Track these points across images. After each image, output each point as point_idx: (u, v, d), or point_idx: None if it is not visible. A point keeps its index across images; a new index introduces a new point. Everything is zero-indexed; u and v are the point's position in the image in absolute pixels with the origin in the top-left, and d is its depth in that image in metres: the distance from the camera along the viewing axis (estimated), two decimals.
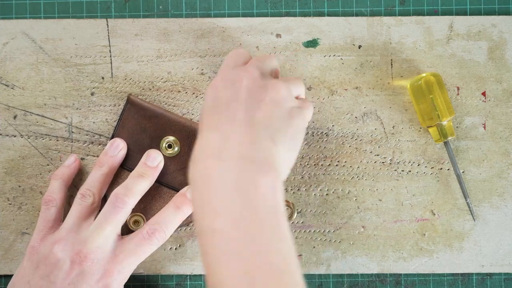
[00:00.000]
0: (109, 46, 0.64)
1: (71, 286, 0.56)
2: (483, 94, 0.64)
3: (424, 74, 0.61)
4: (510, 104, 0.63)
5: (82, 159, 0.63)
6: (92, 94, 0.63)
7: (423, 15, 0.65)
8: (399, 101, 0.63)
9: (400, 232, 0.63)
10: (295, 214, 0.62)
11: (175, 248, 0.63)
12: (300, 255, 0.63)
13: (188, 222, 0.63)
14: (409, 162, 0.63)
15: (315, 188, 0.63)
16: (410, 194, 0.63)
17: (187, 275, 0.64)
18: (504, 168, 0.63)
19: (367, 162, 0.63)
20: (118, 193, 0.58)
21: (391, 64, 0.63)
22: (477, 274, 0.64)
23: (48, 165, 0.63)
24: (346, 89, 0.64)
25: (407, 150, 0.63)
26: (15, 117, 0.63)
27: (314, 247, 0.63)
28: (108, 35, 0.64)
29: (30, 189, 0.63)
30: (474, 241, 0.63)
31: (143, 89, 0.63)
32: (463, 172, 0.63)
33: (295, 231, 0.63)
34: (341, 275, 0.64)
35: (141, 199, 0.61)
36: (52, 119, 0.63)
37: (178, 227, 0.62)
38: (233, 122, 0.49)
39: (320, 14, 0.65)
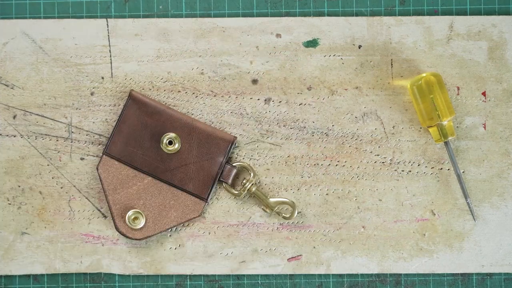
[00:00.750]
0: (109, 46, 0.63)
1: None
2: (483, 94, 0.64)
3: (424, 74, 0.61)
4: (510, 104, 0.63)
5: (82, 159, 0.63)
6: (92, 94, 0.63)
7: (423, 15, 0.65)
8: (399, 101, 0.63)
9: (400, 232, 0.63)
10: (295, 214, 0.62)
11: (175, 248, 0.63)
12: (300, 255, 0.63)
13: (188, 221, 0.63)
14: (409, 162, 0.63)
15: (315, 188, 0.63)
16: (410, 194, 0.63)
17: (187, 275, 0.64)
18: (504, 168, 0.63)
19: (367, 162, 0.63)
20: None
21: (391, 64, 0.63)
22: (477, 274, 0.64)
23: (48, 165, 0.63)
24: (346, 89, 0.64)
25: (407, 150, 0.63)
26: (14, 117, 0.63)
27: (314, 247, 0.63)
28: (108, 35, 0.64)
29: (30, 189, 0.63)
30: (474, 241, 0.63)
31: (143, 89, 0.63)
32: (463, 172, 0.63)
33: (295, 231, 0.63)
34: (341, 275, 0.64)
35: (140, 196, 0.61)
36: (51, 119, 0.63)
37: (178, 227, 0.62)
38: None
39: (320, 14, 0.65)
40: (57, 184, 0.63)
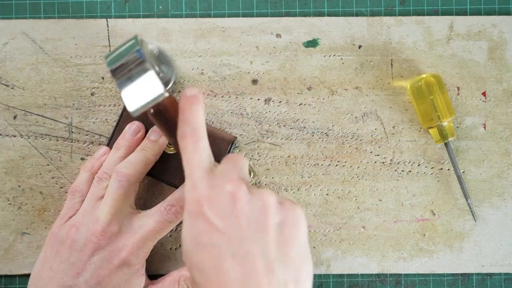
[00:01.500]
0: (109, 46, 0.63)
1: (91, 265, 0.56)
2: (483, 94, 0.64)
3: (424, 75, 0.61)
4: (510, 104, 0.63)
5: (82, 159, 0.63)
6: (92, 94, 0.63)
7: (423, 15, 0.65)
8: (399, 101, 0.63)
9: (400, 232, 0.63)
10: None
11: (175, 248, 0.63)
12: None
13: None
14: (409, 162, 0.63)
15: (315, 188, 0.63)
16: (410, 194, 0.63)
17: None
18: (504, 168, 0.63)
19: (367, 162, 0.63)
20: (119, 167, 0.58)
21: (391, 64, 0.63)
22: (477, 274, 0.64)
23: (48, 165, 0.63)
24: (346, 89, 0.64)
25: (407, 150, 0.63)
26: (15, 117, 0.63)
27: (314, 247, 0.63)
28: (108, 35, 0.64)
29: (30, 189, 0.63)
30: (474, 241, 0.63)
31: None
32: (463, 172, 0.63)
33: None
34: (341, 275, 0.64)
35: (141, 195, 0.61)
36: (52, 119, 0.63)
37: (178, 227, 0.62)
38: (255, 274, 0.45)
39: (320, 14, 0.65)
40: (57, 184, 0.63)
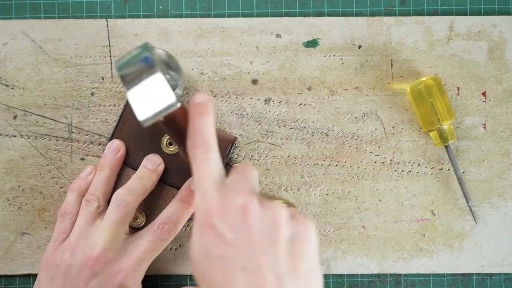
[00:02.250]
0: (109, 46, 0.63)
1: None
2: (483, 94, 0.64)
3: (424, 78, 0.61)
4: (510, 104, 0.63)
5: (82, 159, 0.63)
6: (92, 94, 0.63)
7: (423, 15, 0.65)
8: (399, 101, 0.63)
9: (400, 232, 0.63)
10: None
11: (175, 248, 0.63)
12: None
13: (188, 221, 0.63)
14: (409, 162, 0.63)
15: (315, 188, 0.63)
16: (410, 194, 0.63)
17: (187, 275, 0.64)
18: (504, 168, 0.63)
19: (367, 162, 0.63)
20: (118, 193, 0.58)
21: (391, 64, 0.63)
22: (477, 274, 0.64)
23: (48, 165, 0.63)
24: (346, 89, 0.64)
25: (407, 150, 0.63)
26: (15, 117, 0.63)
27: None
28: (108, 35, 0.64)
29: (30, 189, 0.63)
30: (474, 242, 0.63)
31: None
32: (463, 172, 0.63)
33: None
34: (341, 275, 0.64)
35: None
36: (52, 119, 0.63)
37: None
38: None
39: (320, 14, 0.65)
40: (57, 184, 0.63)
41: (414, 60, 0.63)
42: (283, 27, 0.64)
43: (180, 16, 0.65)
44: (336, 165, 0.63)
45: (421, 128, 0.63)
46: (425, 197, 0.63)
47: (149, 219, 0.62)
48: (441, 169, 0.63)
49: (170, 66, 0.58)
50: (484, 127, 0.63)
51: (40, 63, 0.63)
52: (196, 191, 0.48)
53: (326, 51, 0.64)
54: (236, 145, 0.63)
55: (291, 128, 0.63)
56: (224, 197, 0.46)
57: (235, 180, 0.48)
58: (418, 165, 0.63)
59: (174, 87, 0.55)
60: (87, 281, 0.56)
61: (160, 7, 0.65)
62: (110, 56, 0.63)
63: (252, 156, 0.63)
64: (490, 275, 0.64)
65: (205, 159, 0.48)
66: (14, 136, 0.63)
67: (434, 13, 0.65)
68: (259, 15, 0.65)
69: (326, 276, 0.64)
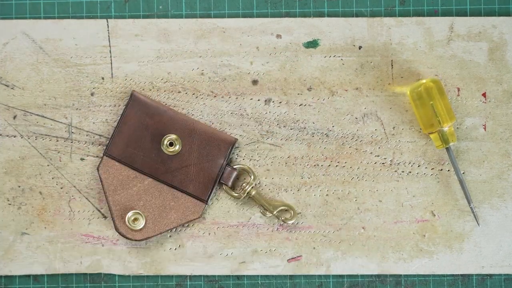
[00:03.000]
0: (109, 46, 0.63)
1: None
2: (484, 95, 0.64)
3: (424, 81, 0.61)
4: (510, 105, 0.63)
5: (82, 159, 0.63)
6: (92, 94, 0.63)
7: (423, 15, 0.65)
8: (400, 102, 0.63)
9: (400, 233, 0.63)
10: (295, 218, 0.62)
11: (175, 249, 0.63)
12: (300, 256, 0.63)
13: (188, 222, 0.63)
14: (409, 163, 0.63)
15: (315, 189, 0.63)
16: (410, 195, 0.63)
17: (187, 275, 0.64)
18: (504, 169, 0.63)
19: (367, 163, 0.63)
20: None
21: (392, 65, 0.63)
22: (477, 274, 0.64)
23: (48, 165, 0.63)
24: (346, 90, 0.64)
25: (407, 151, 0.63)
26: (15, 117, 0.63)
27: (314, 248, 0.63)
28: (108, 35, 0.64)
29: (30, 190, 0.63)
30: (474, 242, 0.63)
31: (143, 89, 0.63)
32: (463, 173, 0.63)
33: (295, 232, 0.63)
34: (341, 276, 0.64)
35: (140, 197, 0.61)
36: (52, 119, 0.63)
37: (178, 228, 0.62)
38: None
39: (320, 14, 0.65)
40: (57, 184, 0.63)
41: (414, 61, 0.63)
42: (283, 28, 0.64)
43: (180, 16, 0.65)
44: (336, 165, 0.63)
45: (421, 129, 0.63)
46: (425, 198, 0.63)
47: (148, 221, 0.62)
48: (441, 170, 0.63)
49: None
50: (484, 128, 0.63)
51: (40, 63, 0.63)
52: None
53: (326, 51, 0.64)
54: (236, 145, 0.63)
55: (291, 129, 0.63)
56: None
57: None
58: (418, 166, 0.63)
59: None
60: None
61: (160, 7, 0.65)
62: (110, 56, 0.63)
63: (252, 156, 0.63)
64: (490, 275, 0.64)
65: None
66: (14, 136, 0.63)
67: (434, 13, 0.65)
68: (259, 15, 0.65)
69: (326, 277, 0.64)
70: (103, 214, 0.63)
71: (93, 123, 0.63)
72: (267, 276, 0.64)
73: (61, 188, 0.63)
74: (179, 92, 0.63)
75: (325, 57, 0.64)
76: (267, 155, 0.63)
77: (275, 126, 0.63)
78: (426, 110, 0.61)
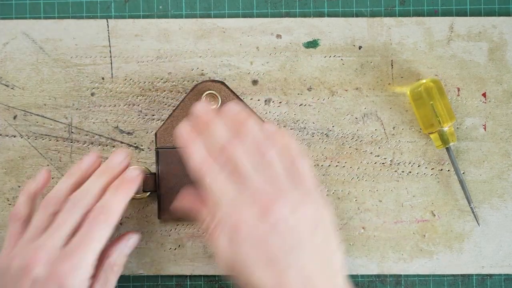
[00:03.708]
0: (109, 46, 0.63)
1: None
2: (484, 95, 0.64)
3: (424, 81, 0.61)
4: (510, 105, 0.63)
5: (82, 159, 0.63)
6: (92, 94, 0.63)
7: (423, 15, 0.65)
8: (400, 102, 0.63)
9: (400, 233, 0.63)
10: None
11: (175, 249, 0.63)
12: None
13: (187, 222, 0.63)
14: (409, 163, 0.63)
15: None
16: (410, 195, 0.63)
17: (187, 275, 0.64)
18: (504, 169, 0.63)
19: (367, 163, 0.63)
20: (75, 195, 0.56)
21: (392, 65, 0.63)
22: (477, 274, 0.64)
23: (48, 165, 0.63)
24: (346, 90, 0.64)
25: (407, 151, 0.63)
26: (15, 117, 0.63)
27: None
28: (108, 36, 0.64)
29: None
30: (474, 242, 0.63)
31: (143, 89, 0.63)
32: (463, 173, 0.63)
33: None
34: None
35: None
36: (52, 119, 0.63)
37: (178, 228, 0.62)
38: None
39: (320, 14, 0.65)
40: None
41: (414, 61, 0.63)
42: (283, 28, 0.64)
43: (180, 16, 0.65)
44: (336, 165, 0.63)
45: (421, 129, 0.63)
46: (425, 198, 0.63)
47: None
48: (441, 170, 0.63)
49: None
50: (484, 128, 0.63)
51: (40, 63, 0.63)
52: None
53: (326, 51, 0.64)
54: None
55: (291, 129, 0.63)
56: None
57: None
58: (418, 166, 0.63)
59: None
60: (25, 285, 0.51)
61: (160, 7, 0.65)
62: (110, 56, 0.63)
63: None
64: (490, 275, 0.64)
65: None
66: (14, 136, 0.63)
67: (434, 13, 0.65)
68: (259, 15, 0.65)
69: None
70: None
71: (93, 123, 0.63)
72: None
73: None
74: (179, 92, 0.63)
75: (325, 57, 0.64)
76: None
77: None
78: (426, 110, 0.61)
